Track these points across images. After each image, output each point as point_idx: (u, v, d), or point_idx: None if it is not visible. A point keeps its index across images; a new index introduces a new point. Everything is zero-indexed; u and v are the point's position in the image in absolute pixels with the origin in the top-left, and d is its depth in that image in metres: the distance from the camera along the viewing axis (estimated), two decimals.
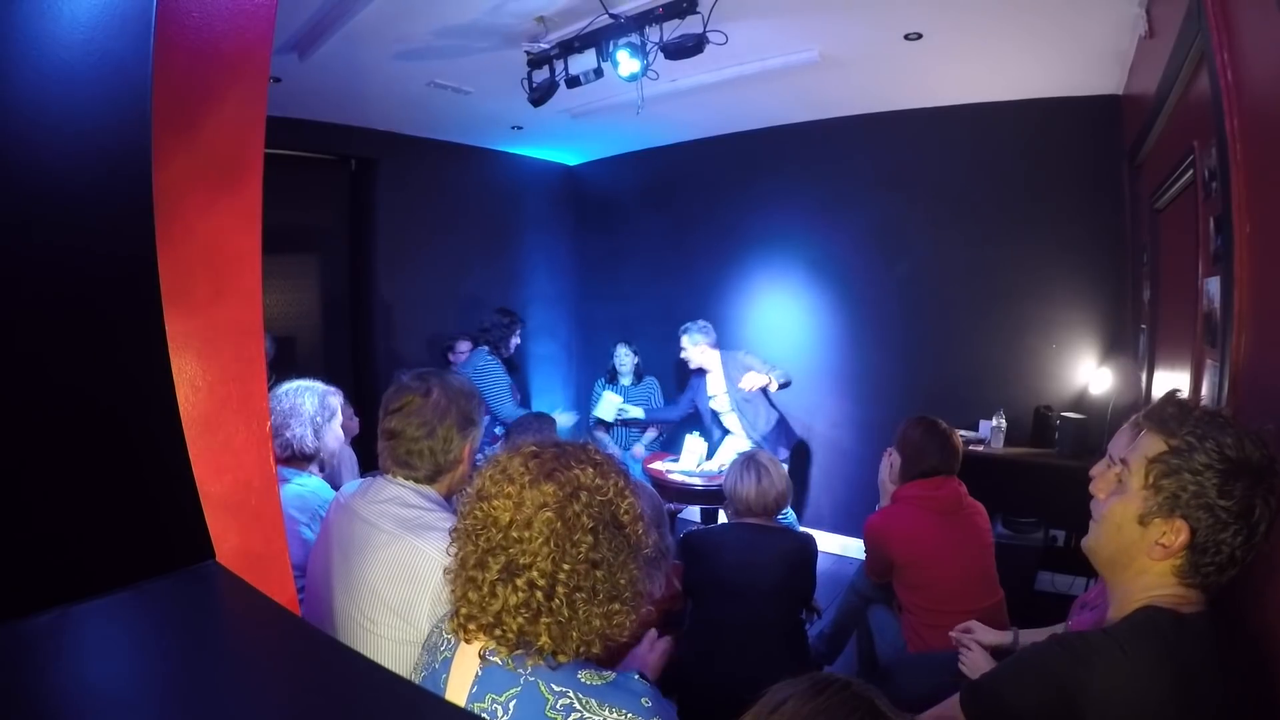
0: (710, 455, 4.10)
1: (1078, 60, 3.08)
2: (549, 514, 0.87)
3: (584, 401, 4.92)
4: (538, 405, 5.50)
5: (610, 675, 0.87)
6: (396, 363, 4.41)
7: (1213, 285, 1.65)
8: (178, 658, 0.74)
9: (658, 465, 4.04)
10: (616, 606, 0.90)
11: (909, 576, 2.15)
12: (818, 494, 4.54)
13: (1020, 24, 2.72)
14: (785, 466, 2.26)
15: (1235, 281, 1.32)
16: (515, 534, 0.87)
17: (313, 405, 1.92)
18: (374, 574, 1.23)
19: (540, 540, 0.86)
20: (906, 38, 2.89)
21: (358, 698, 0.68)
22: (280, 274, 4.26)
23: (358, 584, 1.24)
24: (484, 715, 0.84)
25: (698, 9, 2.47)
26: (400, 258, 4.60)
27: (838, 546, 4.34)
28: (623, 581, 0.90)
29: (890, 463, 2.30)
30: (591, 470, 0.92)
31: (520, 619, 0.86)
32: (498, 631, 0.87)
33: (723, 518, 4.10)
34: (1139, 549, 0.93)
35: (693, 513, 4.59)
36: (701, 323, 4.09)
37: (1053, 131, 3.60)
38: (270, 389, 1.90)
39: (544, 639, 0.85)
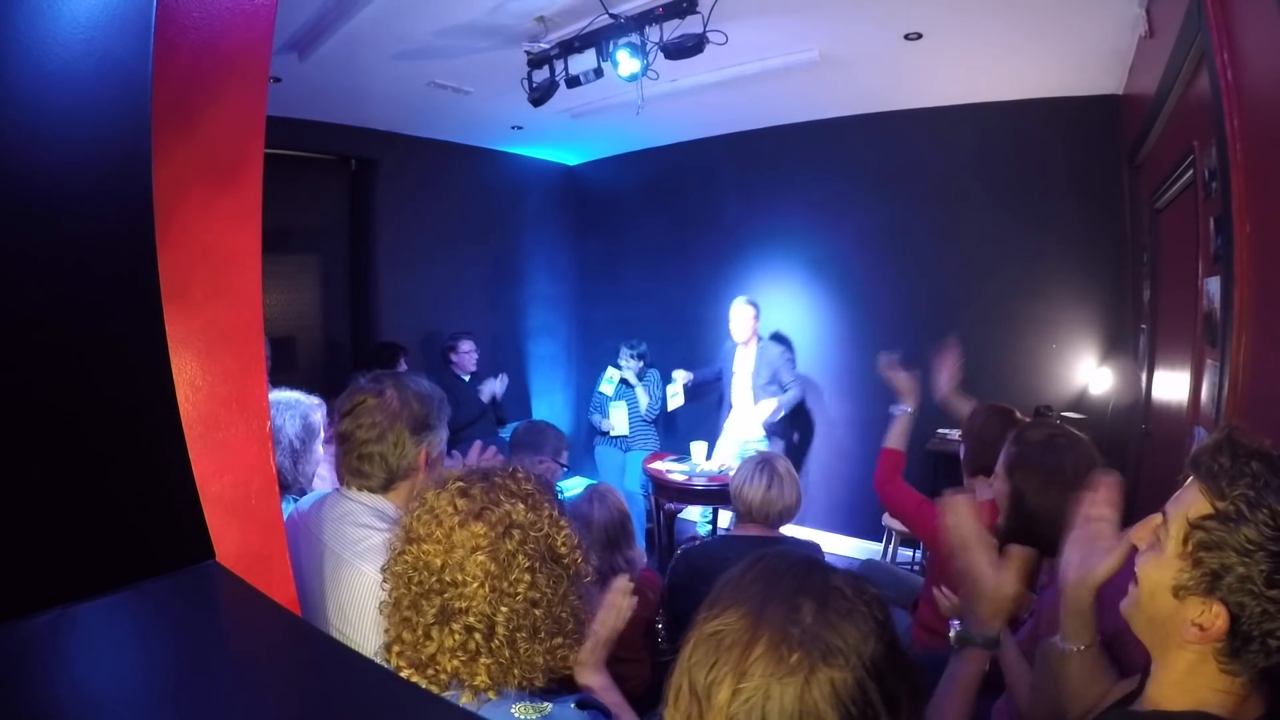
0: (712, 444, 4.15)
1: (1078, 60, 3.08)
2: (482, 557, 0.83)
3: (583, 401, 4.91)
4: (537, 406, 5.50)
5: (546, 707, 0.83)
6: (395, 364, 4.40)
7: (1213, 285, 1.65)
8: (178, 658, 0.74)
9: (658, 465, 4.04)
10: (560, 640, 0.87)
11: (950, 570, 2.06)
12: (817, 494, 4.54)
13: (1020, 24, 2.72)
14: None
15: (1235, 281, 1.32)
16: (449, 577, 0.84)
17: (293, 427, 1.75)
18: (329, 601, 1.18)
19: (476, 584, 0.83)
20: (906, 38, 2.89)
21: (357, 698, 0.67)
22: (280, 274, 4.26)
23: (316, 612, 1.19)
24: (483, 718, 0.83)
25: (698, 9, 2.47)
26: (400, 258, 4.60)
27: (837, 546, 4.34)
28: (564, 615, 0.88)
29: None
30: (523, 506, 0.88)
31: (456, 661, 0.83)
32: (430, 672, 0.84)
33: (724, 517, 4.12)
34: (1174, 624, 0.76)
35: (692, 512, 4.58)
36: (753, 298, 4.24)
37: (1053, 131, 3.59)
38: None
39: (481, 678, 0.83)
